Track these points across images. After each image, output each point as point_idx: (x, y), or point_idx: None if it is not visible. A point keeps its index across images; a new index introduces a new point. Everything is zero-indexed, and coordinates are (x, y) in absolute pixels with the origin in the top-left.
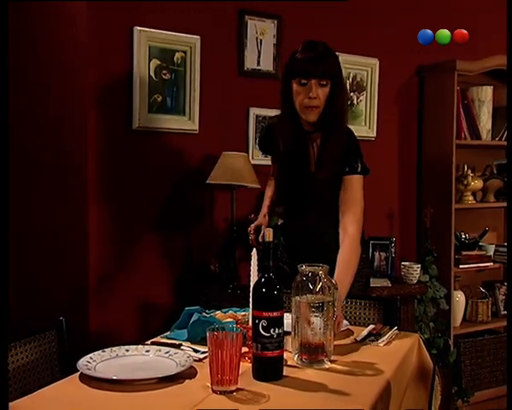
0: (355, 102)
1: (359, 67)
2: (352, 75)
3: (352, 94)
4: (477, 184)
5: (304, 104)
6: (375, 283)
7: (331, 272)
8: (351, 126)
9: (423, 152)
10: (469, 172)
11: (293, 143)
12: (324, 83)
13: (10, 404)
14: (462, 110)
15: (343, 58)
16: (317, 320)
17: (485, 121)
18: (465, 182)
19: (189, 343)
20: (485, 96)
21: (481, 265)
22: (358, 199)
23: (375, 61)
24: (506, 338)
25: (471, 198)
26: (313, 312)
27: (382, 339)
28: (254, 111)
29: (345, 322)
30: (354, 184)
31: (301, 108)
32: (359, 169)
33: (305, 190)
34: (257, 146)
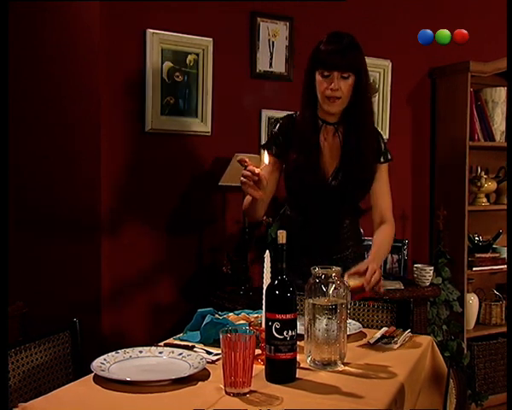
0: None
1: (372, 69)
2: None
3: None
4: (491, 185)
5: (326, 95)
6: (387, 285)
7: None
8: None
9: (436, 154)
10: (483, 173)
11: (312, 133)
12: (346, 75)
13: (25, 404)
14: (475, 111)
15: None
16: (330, 323)
17: (499, 123)
18: (478, 184)
19: (201, 345)
20: (498, 98)
21: (495, 267)
22: (388, 186)
23: (388, 63)
24: None
25: (484, 200)
26: (326, 314)
27: (395, 342)
28: (266, 113)
29: (357, 324)
30: (384, 173)
31: (323, 99)
32: (388, 157)
33: (323, 190)
34: (263, 148)
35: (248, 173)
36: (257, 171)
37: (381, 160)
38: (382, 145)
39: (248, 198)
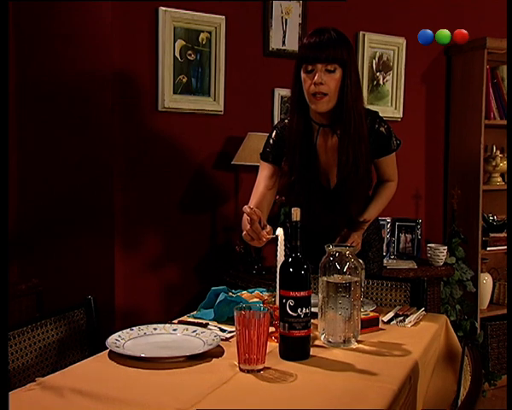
0: (381, 82)
1: (386, 47)
2: (378, 55)
3: (378, 74)
4: (506, 165)
5: (310, 91)
6: (400, 264)
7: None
8: (376, 107)
9: (451, 132)
10: (498, 152)
11: (302, 137)
12: (331, 69)
13: (42, 379)
14: (491, 89)
15: (369, 37)
16: (344, 300)
17: None
18: (494, 163)
19: (215, 323)
20: None
21: None
22: (395, 172)
23: (402, 41)
24: None
25: (499, 179)
26: (340, 292)
27: (409, 320)
28: (279, 92)
29: (371, 303)
30: (390, 162)
31: (309, 98)
32: (393, 148)
33: (321, 192)
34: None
35: (255, 236)
36: (265, 239)
37: (387, 153)
38: (387, 133)
39: (246, 235)
